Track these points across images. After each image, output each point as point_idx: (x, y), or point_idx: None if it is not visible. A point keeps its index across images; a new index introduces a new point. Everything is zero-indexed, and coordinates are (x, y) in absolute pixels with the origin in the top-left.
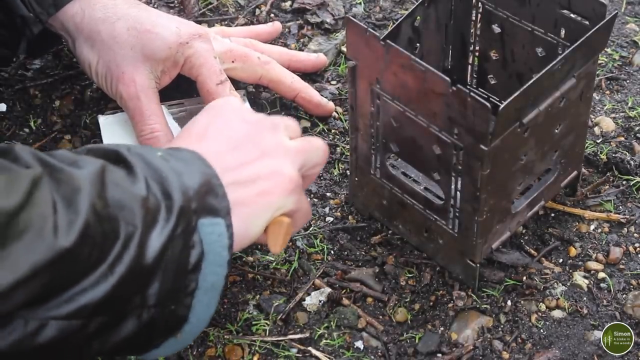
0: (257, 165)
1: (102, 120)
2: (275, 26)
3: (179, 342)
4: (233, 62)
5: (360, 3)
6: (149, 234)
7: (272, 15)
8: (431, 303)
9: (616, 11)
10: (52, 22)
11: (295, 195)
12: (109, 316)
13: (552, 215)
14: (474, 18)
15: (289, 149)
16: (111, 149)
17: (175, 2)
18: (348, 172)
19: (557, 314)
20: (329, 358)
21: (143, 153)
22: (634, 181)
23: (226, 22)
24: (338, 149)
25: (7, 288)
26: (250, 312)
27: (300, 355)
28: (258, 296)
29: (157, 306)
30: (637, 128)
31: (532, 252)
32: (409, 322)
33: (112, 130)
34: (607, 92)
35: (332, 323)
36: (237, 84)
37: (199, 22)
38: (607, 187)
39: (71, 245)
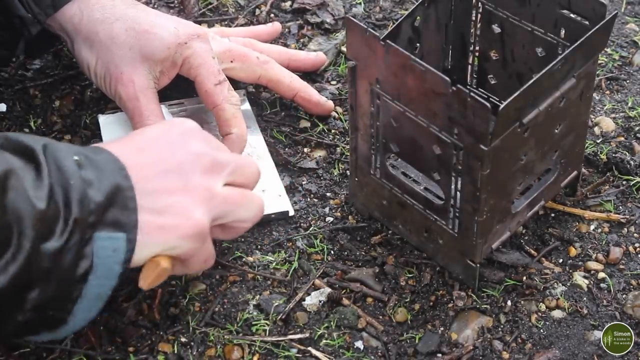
0: (172, 199)
1: (102, 119)
2: (275, 27)
3: (54, 335)
4: (232, 61)
5: (360, 3)
6: (41, 246)
7: (272, 15)
8: (431, 303)
9: (616, 11)
10: (51, 23)
11: (192, 242)
12: None
13: (552, 215)
14: (474, 18)
15: (215, 195)
16: (27, 145)
17: (175, 2)
18: (348, 172)
19: (557, 314)
20: (329, 358)
21: (58, 155)
22: (634, 181)
23: (226, 22)
24: (338, 149)
25: None
26: (250, 312)
27: (300, 355)
28: (258, 296)
29: (34, 311)
30: (637, 128)
31: (532, 252)
32: (409, 322)
33: (112, 130)
34: (607, 92)
35: (332, 323)
36: (236, 84)
37: (199, 22)
38: (607, 187)
39: None
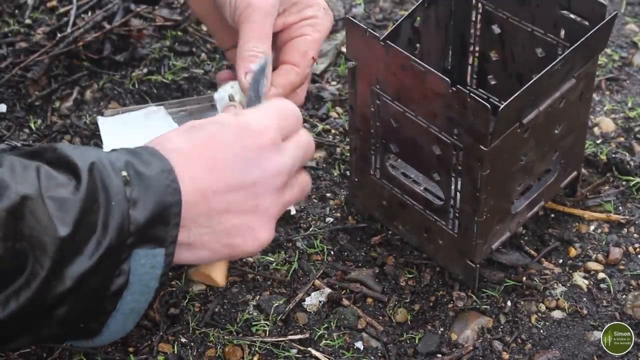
0: (240, 219)
1: (102, 121)
2: None
3: (89, 344)
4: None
5: (360, 3)
6: (64, 269)
7: None
8: (431, 303)
9: (616, 12)
10: None
11: (257, 253)
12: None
13: (552, 215)
14: (474, 18)
15: (284, 205)
16: (72, 161)
17: (175, 2)
18: (348, 173)
19: (557, 314)
20: (328, 358)
21: (104, 173)
22: (634, 182)
23: None
24: (338, 149)
25: None
26: (250, 312)
27: (300, 355)
28: (258, 297)
29: (61, 325)
30: (637, 129)
31: (532, 252)
32: (409, 322)
33: (112, 131)
34: (607, 92)
35: (332, 324)
36: None
37: (199, 22)
38: (607, 187)
39: None
